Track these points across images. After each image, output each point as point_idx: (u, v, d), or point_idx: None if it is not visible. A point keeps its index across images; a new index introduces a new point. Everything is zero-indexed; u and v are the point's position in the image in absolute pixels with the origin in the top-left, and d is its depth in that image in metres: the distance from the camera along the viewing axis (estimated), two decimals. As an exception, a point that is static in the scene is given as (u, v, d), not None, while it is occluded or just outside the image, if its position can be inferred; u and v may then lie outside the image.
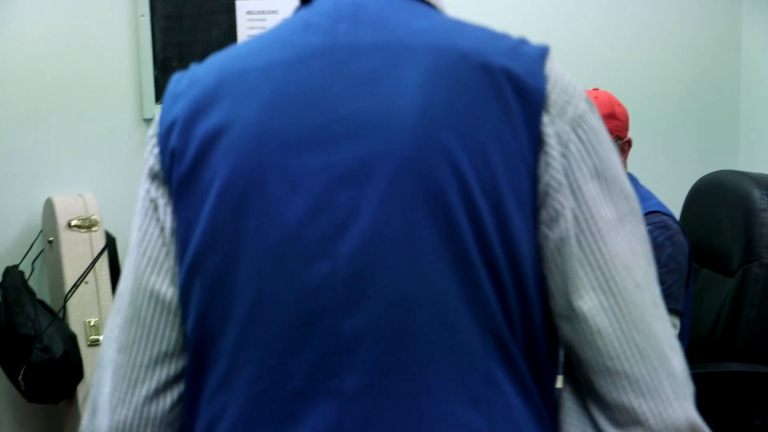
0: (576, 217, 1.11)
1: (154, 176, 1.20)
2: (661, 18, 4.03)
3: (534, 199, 1.11)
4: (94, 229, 3.39)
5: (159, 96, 3.60)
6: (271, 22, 3.67)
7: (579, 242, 1.11)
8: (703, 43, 4.11)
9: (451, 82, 1.10)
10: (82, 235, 3.37)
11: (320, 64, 1.14)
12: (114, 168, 3.60)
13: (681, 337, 2.60)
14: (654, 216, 2.54)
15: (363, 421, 1.09)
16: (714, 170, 3.07)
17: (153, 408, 1.19)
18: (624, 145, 2.66)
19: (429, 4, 1.20)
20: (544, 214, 1.11)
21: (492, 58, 1.11)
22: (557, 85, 1.12)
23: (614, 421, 1.11)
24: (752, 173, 2.84)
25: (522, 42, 1.15)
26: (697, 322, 2.81)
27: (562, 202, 1.11)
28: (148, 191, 1.21)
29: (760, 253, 2.68)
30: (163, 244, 1.20)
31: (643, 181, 2.76)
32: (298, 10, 1.22)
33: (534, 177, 1.10)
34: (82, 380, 3.28)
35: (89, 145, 3.57)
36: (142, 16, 3.56)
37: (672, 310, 2.49)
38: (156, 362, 1.19)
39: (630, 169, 2.73)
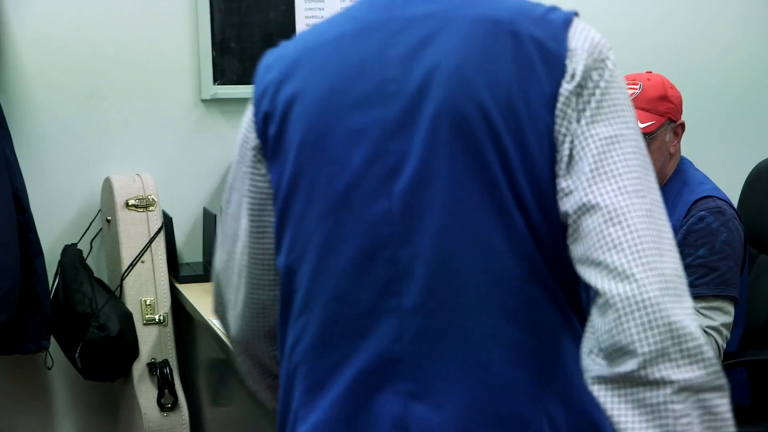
0: (577, 142, 1.27)
1: (252, 137, 1.43)
2: (725, 2, 3.98)
3: (553, 142, 1.28)
4: (151, 208, 3.42)
5: (217, 77, 3.61)
6: (330, 3, 3.66)
7: (583, 158, 1.26)
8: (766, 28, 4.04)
9: (484, 47, 1.29)
10: (140, 215, 3.40)
11: (379, 35, 1.34)
12: (172, 148, 3.63)
13: (736, 324, 2.56)
14: (708, 201, 2.49)
15: (418, 333, 1.29)
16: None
17: (259, 324, 1.50)
18: (677, 129, 2.62)
19: None
20: (558, 147, 1.28)
21: (521, 26, 1.30)
22: (577, 49, 1.29)
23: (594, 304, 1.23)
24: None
25: (551, 10, 1.33)
26: (753, 309, 2.77)
27: (571, 138, 1.27)
28: (245, 150, 1.44)
29: (818, 240, 2.64)
30: (264, 191, 1.42)
31: (700, 166, 2.72)
32: None
33: (551, 126, 1.28)
34: (138, 358, 3.32)
35: (148, 126, 3.60)
36: (201, -3, 3.58)
37: (728, 297, 2.45)
38: (259, 288, 1.47)
39: (686, 154, 2.69)
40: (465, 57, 1.29)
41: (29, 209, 3.24)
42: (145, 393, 3.32)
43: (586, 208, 1.24)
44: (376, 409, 1.31)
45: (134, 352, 3.30)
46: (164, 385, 3.31)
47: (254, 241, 1.45)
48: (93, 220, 3.54)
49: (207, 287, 3.40)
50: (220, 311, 1.58)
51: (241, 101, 3.63)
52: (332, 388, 1.33)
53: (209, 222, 3.57)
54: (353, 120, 1.33)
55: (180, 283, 3.46)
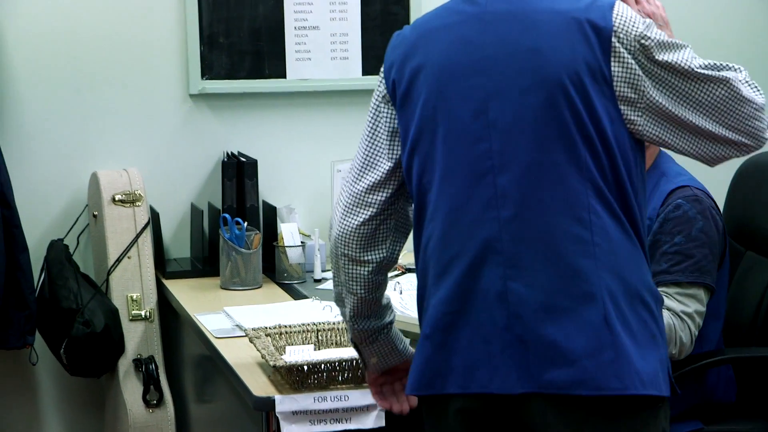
0: (636, 93, 1.85)
1: (383, 97, 1.99)
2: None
3: (612, 92, 1.82)
4: (138, 204, 3.41)
5: (205, 71, 3.60)
6: (319, -3, 3.66)
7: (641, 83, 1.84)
8: (758, 21, 4.04)
9: (554, 31, 1.83)
10: (126, 210, 3.39)
11: (475, 24, 1.88)
12: (159, 143, 3.62)
13: (716, 316, 2.55)
14: (685, 190, 2.49)
15: (513, 234, 1.82)
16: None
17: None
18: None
19: None
20: (620, 99, 1.83)
21: (578, 13, 1.83)
22: (622, 22, 1.83)
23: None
24: (799, 154, 2.78)
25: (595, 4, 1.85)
26: (740, 305, 2.76)
27: (626, 91, 1.83)
28: (378, 107, 1.99)
29: (805, 237, 2.63)
30: (388, 136, 1.98)
31: (687, 166, 2.70)
32: None
33: (611, 80, 1.82)
34: (123, 354, 3.31)
35: (135, 120, 3.59)
36: (189, -9, 3.57)
37: (703, 285, 2.45)
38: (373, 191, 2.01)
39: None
40: (541, 40, 1.83)
41: (14, 204, 3.23)
42: (131, 389, 3.31)
43: None
44: (483, 287, 1.83)
45: (120, 348, 3.29)
46: (150, 382, 3.30)
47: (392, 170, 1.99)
48: (80, 216, 3.52)
49: (194, 283, 3.40)
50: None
51: (229, 96, 3.62)
52: (453, 272, 1.86)
53: (197, 217, 3.56)
54: (462, 84, 1.86)
55: (167, 278, 3.45)
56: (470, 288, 1.85)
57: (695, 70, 1.85)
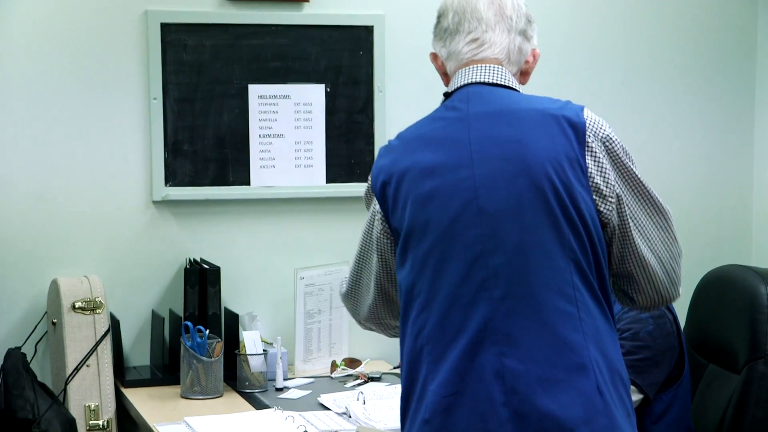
0: (606, 186, 1.99)
1: (375, 200, 2.10)
2: (675, 110, 4.04)
3: (587, 182, 1.97)
4: (98, 311, 3.38)
5: (169, 178, 3.60)
6: (283, 106, 3.68)
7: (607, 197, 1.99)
8: (717, 137, 4.10)
9: (534, 125, 1.99)
10: (86, 317, 3.36)
11: (458, 125, 2.03)
12: (122, 250, 3.59)
13: (682, 425, 2.55)
14: None
15: (506, 313, 1.93)
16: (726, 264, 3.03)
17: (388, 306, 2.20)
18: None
19: (513, 89, 2.09)
20: (593, 188, 1.97)
21: (555, 111, 2.01)
22: (592, 122, 2.01)
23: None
24: (760, 268, 2.80)
25: (568, 101, 2.05)
26: (703, 419, 2.76)
27: (599, 182, 1.98)
28: (373, 207, 2.12)
29: (766, 351, 2.63)
30: (386, 237, 2.11)
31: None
32: (444, 101, 2.13)
33: (586, 169, 1.97)
34: (80, 465, 3.24)
35: (97, 227, 3.57)
36: (155, 99, 3.58)
37: (633, 383, 2.48)
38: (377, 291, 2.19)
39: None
40: (523, 134, 1.98)
41: (-28, 311, 3.19)
42: (87, 502, 3.23)
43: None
44: (480, 365, 1.93)
45: (77, 459, 3.23)
46: (106, 494, 3.23)
47: (382, 266, 2.14)
48: (38, 323, 3.48)
49: (153, 392, 3.36)
50: (352, 302, 2.28)
51: (193, 203, 3.62)
52: (450, 355, 1.95)
53: (157, 324, 3.52)
54: (451, 178, 1.99)
55: (126, 387, 3.40)
56: (468, 368, 1.93)
57: (645, 185, 2.04)
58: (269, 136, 3.70)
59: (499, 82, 2.08)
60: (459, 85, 2.10)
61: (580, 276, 1.95)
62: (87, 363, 3.31)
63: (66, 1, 3.48)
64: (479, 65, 2.09)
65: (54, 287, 3.41)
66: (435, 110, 2.13)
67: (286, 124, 3.71)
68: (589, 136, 1.98)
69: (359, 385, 3.41)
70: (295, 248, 3.72)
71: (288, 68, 3.69)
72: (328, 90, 3.73)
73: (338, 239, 3.74)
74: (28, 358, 3.38)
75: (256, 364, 3.33)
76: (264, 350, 3.37)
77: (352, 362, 3.59)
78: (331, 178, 3.76)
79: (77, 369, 3.29)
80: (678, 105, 4.05)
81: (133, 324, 3.60)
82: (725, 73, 4.08)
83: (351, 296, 2.26)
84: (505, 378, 1.91)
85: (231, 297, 3.62)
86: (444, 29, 2.13)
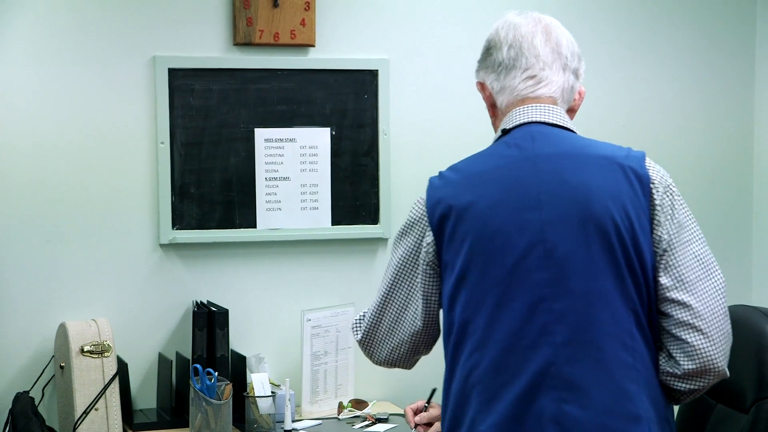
0: (669, 239, 2.01)
1: (428, 234, 2.06)
2: (675, 109, 4.08)
3: (651, 233, 2.00)
4: (106, 354, 3.39)
5: (176, 221, 3.62)
6: (289, 149, 3.72)
7: (669, 251, 2.01)
8: (717, 173, 4.13)
9: (601, 172, 2.00)
10: (94, 361, 3.37)
11: (525, 164, 2.01)
12: (129, 293, 3.61)
13: None
14: None
15: (567, 358, 1.93)
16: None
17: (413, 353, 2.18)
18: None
19: (571, 131, 2.09)
20: (655, 239, 2.00)
21: (621, 160, 2.02)
22: (655, 173, 2.03)
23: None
24: (766, 308, 2.82)
25: (630, 149, 2.07)
26: (712, 459, 2.76)
27: (661, 233, 2.00)
28: (423, 239, 2.08)
29: (774, 391, 2.64)
30: (432, 269, 2.08)
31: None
32: (499, 137, 2.10)
33: (650, 221, 2.00)
34: None
35: (105, 270, 3.59)
36: (162, 143, 3.61)
37: None
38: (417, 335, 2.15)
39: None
40: (591, 180, 1.98)
41: (-18, 355, 3.20)
42: None
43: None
44: (538, 410, 1.92)
45: (85, 503, 3.22)
46: None
47: (423, 299, 2.09)
48: (46, 367, 3.49)
49: (161, 435, 3.37)
50: (369, 347, 2.21)
51: (200, 246, 3.64)
52: (504, 397, 1.94)
53: (164, 367, 3.53)
54: (518, 218, 1.97)
55: (133, 430, 3.41)
56: (524, 411, 1.93)
57: (703, 241, 2.05)
58: (275, 179, 3.73)
59: (559, 124, 2.08)
60: (518, 122, 2.09)
61: (638, 326, 1.97)
62: (96, 406, 3.32)
63: (75, 46, 3.52)
64: (538, 105, 2.08)
65: (62, 330, 3.43)
66: (493, 146, 2.11)
67: (292, 167, 3.74)
68: (654, 188, 2.00)
69: (367, 426, 3.42)
70: (301, 290, 3.74)
71: (294, 112, 3.72)
72: (334, 133, 3.77)
73: (344, 281, 3.77)
74: (36, 402, 3.39)
75: (264, 406, 3.34)
76: (272, 392, 3.38)
77: (359, 403, 3.61)
78: (336, 220, 3.78)
79: (86, 412, 3.30)
80: (678, 104, 4.10)
81: (140, 366, 3.61)
82: (726, 71, 4.15)
83: (369, 340, 2.21)
84: (563, 424, 1.91)
85: (237, 339, 3.63)
86: (498, 63, 2.11)
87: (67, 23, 3.52)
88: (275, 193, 3.73)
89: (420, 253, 2.08)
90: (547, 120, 2.07)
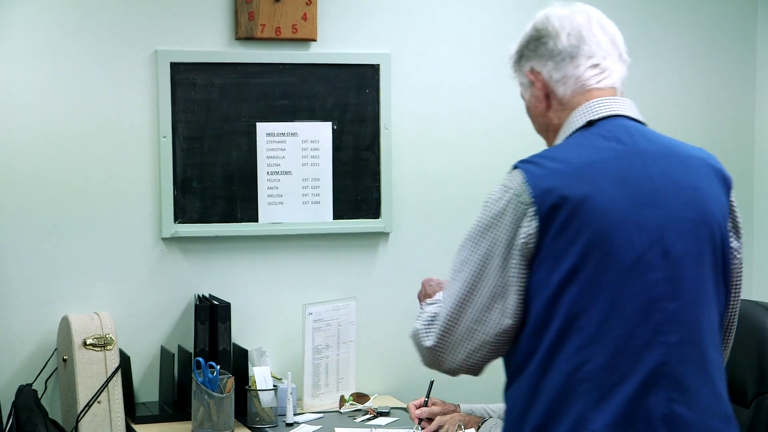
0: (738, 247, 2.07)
1: (532, 225, 1.93)
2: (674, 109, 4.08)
3: (735, 237, 2.05)
4: (109, 347, 3.40)
5: (178, 215, 3.63)
6: (291, 144, 3.72)
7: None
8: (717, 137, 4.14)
9: (703, 174, 2.01)
10: (97, 354, 3.38)
11: (634, 159, 1.96)
12: (131, 286, 3.63)
13: None
14: None
15: (679, 359, 1.92)
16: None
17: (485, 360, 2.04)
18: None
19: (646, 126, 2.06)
20: (734, 247, 2.05)
21: (710, 161, 2.04)
22: (729, 176, 2.05)
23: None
24: (766, 303, 2.83)
25: (702, 148, 2.08)
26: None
27: (737, 245, 2.06)
28: (523, 227, 1.93)
29: (775, 384, 2.66)
30: (527, 262, 1.96)
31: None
32: (584, 128, 2.01)
33: (735, 225, 2.05)
34: (92, 502, 3.25)
35: (107, 264, 3.60)
36: (164, 137, 3.62)
37: None
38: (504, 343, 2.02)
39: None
40: (697, 179, 1.98)
41: (-15, 349, 3.21)
42: None
43: None
44: (648, 410, 1.90)
45: (88, 496, 3.24)
46: None
47: (518, 303, 1.96)
48: (48, 360, 3.50)
49: (163, 428, 3.38)
50: (440, 353, 2.03)
51: (201, 240, 3.65)
52: (618, 395, 1.90)
53: (167, 360, 3.55)
54: (636, 215, 1.92)
55: (136, 423, 3.42)
56: (636, 411, 1.91)
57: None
58: (277, 173, 3.74)
59: (640, 119, 2.04)
60: (605, 114, 2.01)
61: (720, 328, 2.02)
62: (98, 399, 3.33)
63: (77, 41, 3.53)
64: (614, 98, 2.03)
65: (65, 324, 3.44)
66: (583, 137, 2.01)
67: (294, 161, 3.75)
68: (732, 191, 2.05)
69: (369, 419, 3.43)
70: (302, 284, 3.75)
71: (295, 106, 3.73)
72: (335, 127, 3.78)
73: (346, 275, 3.78)
74: (39, 395, 3.40)
75: (266, 399, 3.35)
76: (274, 386, 3.40)
77: (360, 397, 3.62)
78: (338, 214, 3.79)
79: (89, 405, 3.31)
80: (679, 102, 4.11)
81: (142, 360, 3.63)
82: (726, 69, 4.16)
83: (443, 345, 2.02)
84: (674, 424, 1.91)
85: (239, 332, 3.64)
86: (557, 51, 2.02)
87: (68, 17, 3.53)
88: (277, 188, 3.74)
89: (515, 244, 1.94)
90: (630, 114, 2.03)
